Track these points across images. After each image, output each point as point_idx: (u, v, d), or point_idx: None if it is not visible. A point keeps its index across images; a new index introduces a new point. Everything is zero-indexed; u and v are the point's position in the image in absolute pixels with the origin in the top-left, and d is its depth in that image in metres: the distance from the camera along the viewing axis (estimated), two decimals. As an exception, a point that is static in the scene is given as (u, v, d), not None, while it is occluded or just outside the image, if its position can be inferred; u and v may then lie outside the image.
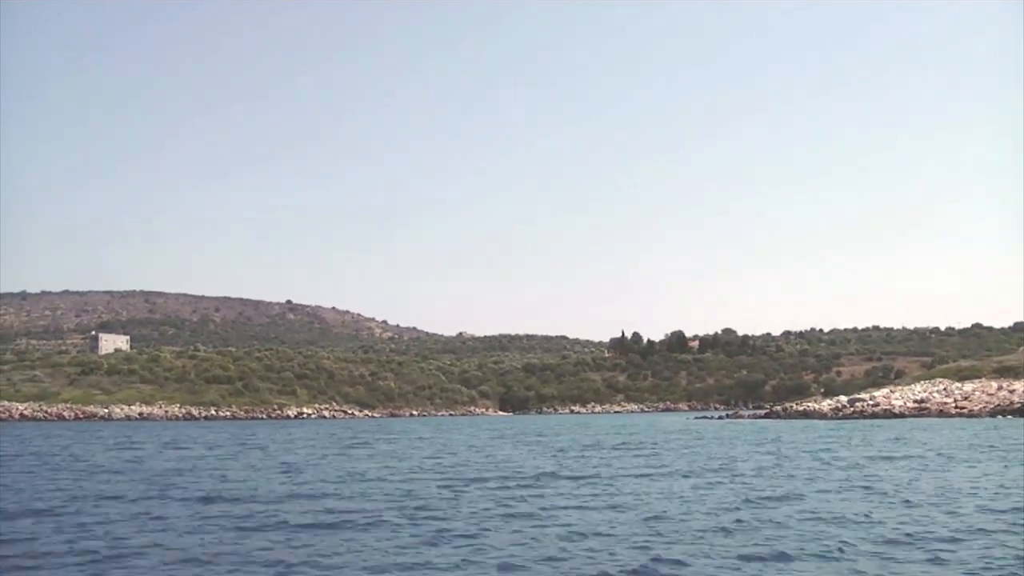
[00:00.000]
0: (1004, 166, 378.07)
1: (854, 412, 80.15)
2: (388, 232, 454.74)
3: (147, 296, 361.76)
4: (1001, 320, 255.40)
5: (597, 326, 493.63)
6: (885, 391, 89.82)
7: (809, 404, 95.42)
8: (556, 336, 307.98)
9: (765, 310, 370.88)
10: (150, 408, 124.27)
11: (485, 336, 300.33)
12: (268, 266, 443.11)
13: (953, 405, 74.53)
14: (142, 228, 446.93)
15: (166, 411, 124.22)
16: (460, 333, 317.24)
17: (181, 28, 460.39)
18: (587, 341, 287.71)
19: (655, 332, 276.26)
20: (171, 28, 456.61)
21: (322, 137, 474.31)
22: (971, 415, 70.87)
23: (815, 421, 78.55)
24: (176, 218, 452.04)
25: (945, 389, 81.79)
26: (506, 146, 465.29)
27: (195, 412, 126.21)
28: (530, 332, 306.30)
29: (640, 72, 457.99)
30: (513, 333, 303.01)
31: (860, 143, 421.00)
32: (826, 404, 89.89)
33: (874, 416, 76.49)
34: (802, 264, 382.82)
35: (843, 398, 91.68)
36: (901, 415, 75.12)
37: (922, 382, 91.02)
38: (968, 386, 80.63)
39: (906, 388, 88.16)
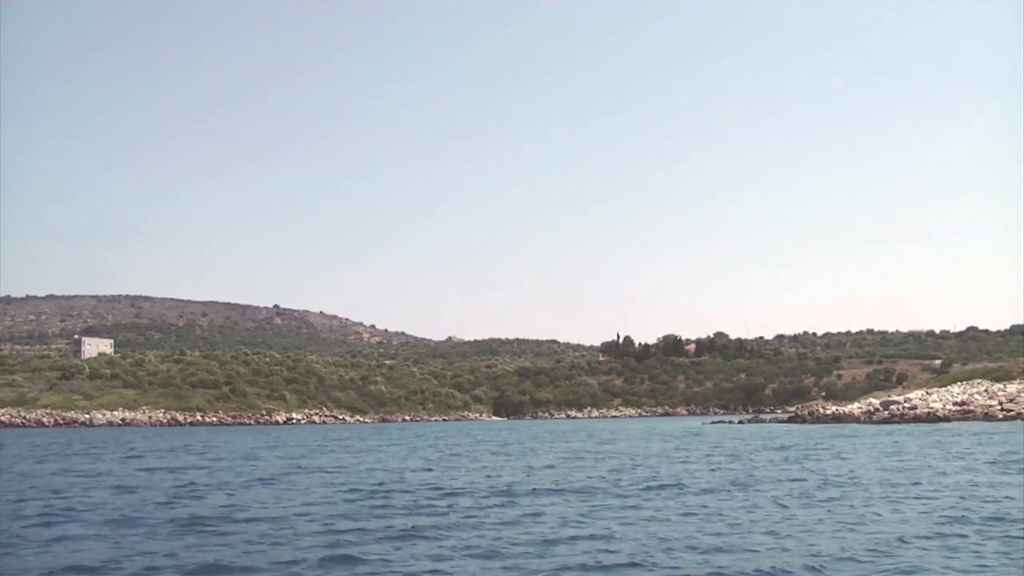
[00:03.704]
0: (997, 168, 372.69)
1: (890, 416, 75.17)
2: (376, 236, 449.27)
3: (133, 300, 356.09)
4: (995, 323, 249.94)
5: (587, 330, 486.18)
6: (919, 393, 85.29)
7: (839, 408, 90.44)
8: (547, 340, 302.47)
9: (757, 313, 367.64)
10: (133, 414, 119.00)
11: (475, 340, 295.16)
12: (255, 270, 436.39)
13: (999, 408, 69.56)
14: (129, 232, 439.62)
15: (150, 416, 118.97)
16: (449, 337, 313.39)
17: (170, 29, 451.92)
18: (578, 345, 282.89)
19: (646, 336, 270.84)
20: (160, 29, 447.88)
21: (310, 141, 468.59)
22: (1019, 417, 66.11)
23: (850, 426, 73.15)
24: (163, 222, 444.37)
25: (987, 391, 77.04)
26: (494, 149, 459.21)
27: (180, 418, 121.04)
28: (520, 336, 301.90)
29: (633, 76, 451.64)
30: (503, 337, 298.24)
31: (851, 146, 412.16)
32: (856, 407, 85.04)
33: (915, 420, 71.64)
34: (794, 267, 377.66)
35: (874, 401, 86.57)
36: (944, 418, 70.20)
37: (959, 383, 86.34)
38: (1011, 387, 75.94)
39: (943, 390, 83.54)
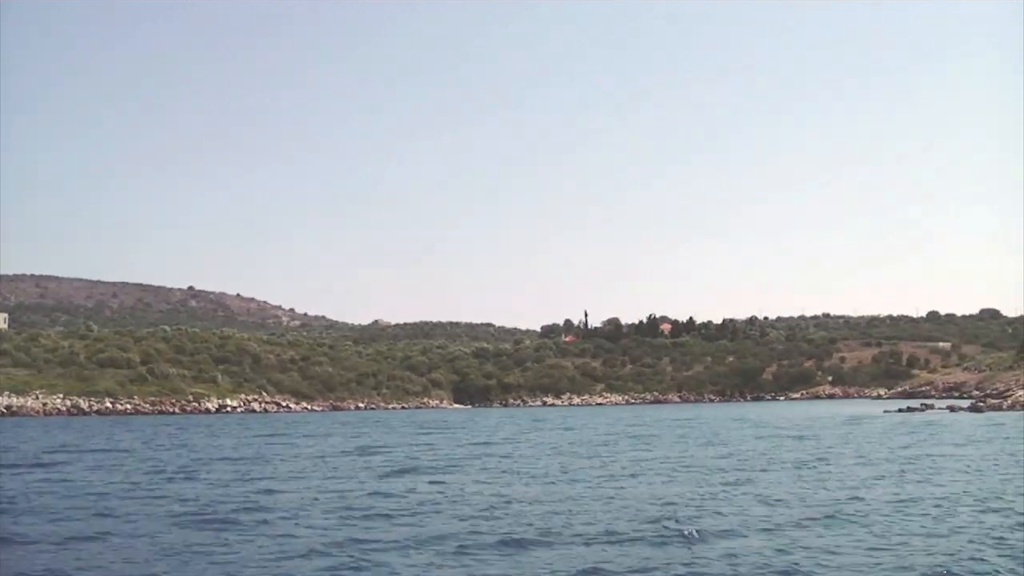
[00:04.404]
0: (961, 156, 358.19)
1: None
2: (295, 216, 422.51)
3: (38, 280, 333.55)
4: (956, 308, 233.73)
5: (521, 314, 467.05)
6: None
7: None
8: (482, 323, 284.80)
9: (699, 297, 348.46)
10: (22, 399, 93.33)
11: (405, 323, 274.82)
12: (169, 250, 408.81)
13: None
14: (34, 208, 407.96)
15: (44, 403, 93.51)
16: (376, 321, 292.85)
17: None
18: (515, 329, 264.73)
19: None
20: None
21: (227, 118, 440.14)
22: None
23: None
24: (71, 197, 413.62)
25: None
26: (415, 132, 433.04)
27: (84, 404, 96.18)
28: (453, 319, 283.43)
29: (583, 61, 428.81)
30: (435, 320, 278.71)
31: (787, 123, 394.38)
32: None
33: None
34: (733, 254, 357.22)
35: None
36: None
37: None
38: None
39: None
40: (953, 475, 28.83)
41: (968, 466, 31.64)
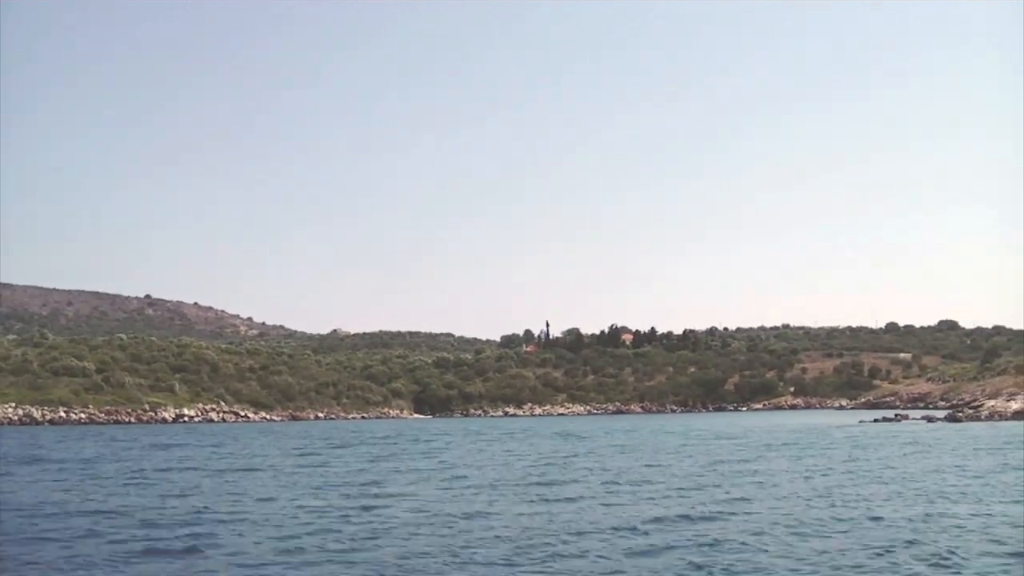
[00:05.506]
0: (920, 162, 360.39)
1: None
2: (253, 225, 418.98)
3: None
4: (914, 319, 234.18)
5: (479, 324, 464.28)
6: None
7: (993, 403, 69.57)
8: (442, 333, 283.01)
9: (661, 308, 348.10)
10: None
11: (364, 333, 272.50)
12: (126, 258, 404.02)
13: None
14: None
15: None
16: (335, 330, 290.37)
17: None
18: (475, 339, 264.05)
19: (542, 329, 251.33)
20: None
21: (185, 124, 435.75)
22: None
23: None
24: (26, 204, 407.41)
25: None
26: (375, 143, 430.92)
27: (36, 413, 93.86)
28: (412, 329, 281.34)
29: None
30: (394, 330, 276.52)
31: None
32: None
33: None
34: (685, 263, 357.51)
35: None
36: None
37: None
38: None
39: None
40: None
41: None
